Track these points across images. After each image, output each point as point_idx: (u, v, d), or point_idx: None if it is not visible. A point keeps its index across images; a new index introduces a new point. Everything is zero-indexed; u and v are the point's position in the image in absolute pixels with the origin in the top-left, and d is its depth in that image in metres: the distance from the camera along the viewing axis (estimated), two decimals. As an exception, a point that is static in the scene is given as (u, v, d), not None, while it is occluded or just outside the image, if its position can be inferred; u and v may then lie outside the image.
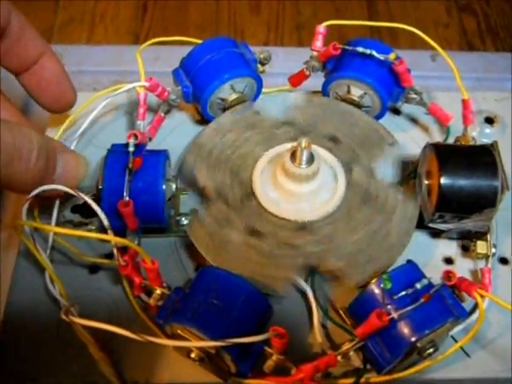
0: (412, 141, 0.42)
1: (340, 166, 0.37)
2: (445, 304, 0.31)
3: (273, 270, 0.34)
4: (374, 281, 0.31)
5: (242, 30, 0.78)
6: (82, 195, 0.31)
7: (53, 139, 0.36)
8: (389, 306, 0.30)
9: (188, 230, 0.35)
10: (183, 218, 0.37)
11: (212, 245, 0.35)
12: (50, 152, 0.32)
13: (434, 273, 0.33)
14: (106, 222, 0.30)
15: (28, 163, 0.30)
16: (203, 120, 0.42)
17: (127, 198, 0.32)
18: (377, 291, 0.31)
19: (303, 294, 0.34)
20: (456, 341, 0.33)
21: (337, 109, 0.40)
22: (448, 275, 0.31)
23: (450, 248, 0.38)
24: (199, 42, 0.41)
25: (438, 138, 0.43)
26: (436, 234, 0.38)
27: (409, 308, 0.29)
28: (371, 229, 0.35)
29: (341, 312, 0.34)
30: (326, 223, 0.35)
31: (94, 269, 0.36)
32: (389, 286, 0.29)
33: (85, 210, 0.38)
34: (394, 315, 0.29)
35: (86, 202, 0.37)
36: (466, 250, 0.38)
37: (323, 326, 0.34)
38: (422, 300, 0.29)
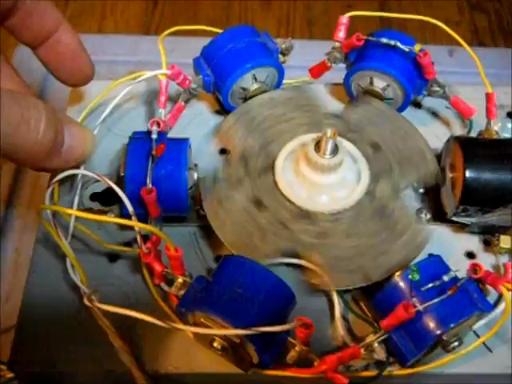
0: (433, 135, 0.42)
1: (367, 171, 0.37)
2: (470, 297, 0.30)
3: (258, 242, 0.34)
4: (398, 273, 0.31)
5: (253, 25, 0.78)
6: (106, 179, 0.30)
7: (58, 111, 0.33)
8: (414, 299, 0.29)
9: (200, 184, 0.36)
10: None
11: (215, 199, 0.35)
12: (58, 122, 0.30)
13: (455, 267, 0.33)
14: (130, 208, 0.30)
15: (36, 134, 0.28)
16: (222, 110, 0.42)
17: (150, 185, 0.32)
18: (402, 284, 0.30)
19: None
20: (478, 336, 0.33)
21: (390, 117, 0.40)
22: (474, 268, 0.30)
23: (473, 242, 0.38)
24: (219, 31, 0.41)
25: (459, 132, 0.42)
26: (458, 228, 0.38)
27: (435, 300, 0.29)
28: (372, 242, 0.35)
29: (362, 304, 0.34)
30: (329, 219, 0.35)
31: (113, 257, 0.36)
32: (417, 277, 0.29)
33: (104, 198, 0.38)
34: (420, 307, 0.29)
35: (105, 190, 0.38)
36: (487, 244, 0.37)
37: (344, 318, 0.34)
38: (449, 292, 0.29)
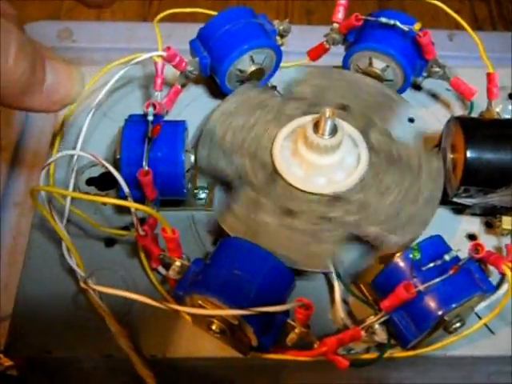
0: (433, 116, 0.41)
1: (358, 133, 0.37)
2: (472, 277, 0.30)
3: (315, 247, 0.33)
4: (398, 254, 0.31)
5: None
6: (102, 161, 0.30)
7: (40, 43, 0.30)
8: (415, 279, 0.29)
9: (221, 222, 0.34)
10: (201, 192, 0.36)
11: (249, 232, 0.33)
12: (37, 54, 0.27)
13: (456, 249, 0.33)
14: (126, 189, 0.30)
15: (6, 60, 0.25)
16: (219, 94, 0.41)
17: (146, 168, 0.31)
18: (402, 264, 0.30)
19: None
20: (480, 317, 0.32)
21: (340, 77, 0.40)
22: (476, 248, 0.30)
23: (474, 224, 0.37)
24: (215, 14, 0.40)
25: (459, 113, 0.42)
26: (459, 210, 0.37)
27: (436, 280, 0.28)
28: (403, 188, 0.35)
29: (362, 287, 0.34)
30: (357, 191, 0.35)
31: (109, 242, 0.36)
32: (418, 256, 0.29)
33: (100, 183, 0.37)
34: (421, 288, 0.29)
35: (101, 175, 0.37)
36: (489, 226, 0.37)
37: (344, 301, 0.34)
38: (451, 272, 0.28)
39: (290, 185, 0.35)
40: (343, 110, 0.38)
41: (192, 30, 0.40)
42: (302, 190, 0.35)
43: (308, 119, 0.35)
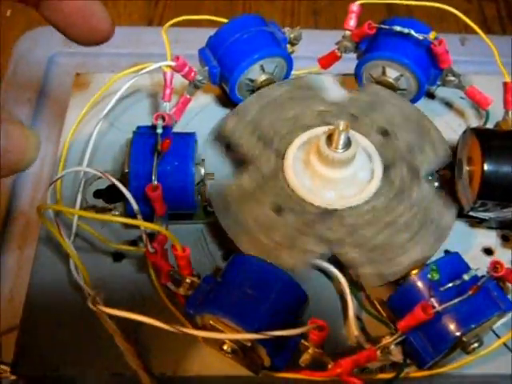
0: (447, 126, 0.40)
1: (379, 159, 0.35)
2: (491, 297, 0.29)
3: (289, 251, 0.32)
4: (415, 272, 0.30)
5: (257, 15, 0.77)
6: (110, 177, 0.29)
7: None
8: (433, 299, 0.28)
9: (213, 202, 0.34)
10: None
11: (235, 217, 0.33)
12: None
13: (472, 264, 0.32)
14: (135, 206, 0.29)
15: None
16: (229, 103, 0.40)
17: (156, 182, 0.31)
18: (420, 283, 0.29)
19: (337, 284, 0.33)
20: (498, 336, 0.31)
21: (390, 100, 0.38)
22: (495, 266, 0.29)
23: (490, 238, 0.36)
24: (225, 21, 0.39)
25: (474, 123, 0.41)
26: (474, 223, 0.36)
27: (455, 301, 0.28)
28: (398, 228, 0.33)
29: (376, 303, 0.33)
30: (352, 213, 0.33)
31: (117, 257, 0.35)
32: (436, 277, 0.28)
33: (108, 195, 0.37)
34: (439, 308, 0.28)
35: (109, 187, 0.37)
36: (506, 239, 0.36)
37: (358, 318, 0.33)
38: (470, 292, 0.28)
39: (290, 186, 0.34)
40: (383, 134, 0.36)
41: (199, 34, 0.40)
42: (298, 195, 0.34)
43: (322, 130, 0.34)
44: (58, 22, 0.29)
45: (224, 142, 0.37)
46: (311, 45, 0.44)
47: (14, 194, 0.45)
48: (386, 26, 0.37)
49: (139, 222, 0.28)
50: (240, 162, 0.36)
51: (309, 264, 0.32)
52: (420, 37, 0.36)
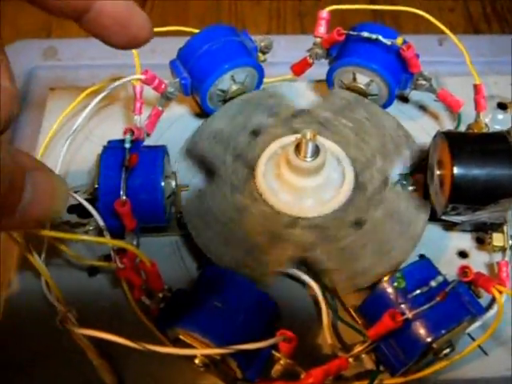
0: (421, 129, 0.40)
1: (349, 164, 0.35)
2: (461, 301, 0.29)
3: (260, 261, 0.32)
4: (386, 279, 0.30)
5: (244, 19, 0.76)
6: (76, 196, 0.29)
7: (21, 152, 0.23)
8: (402, 306, 0.28)
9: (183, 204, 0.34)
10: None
11: (205, 229, 0.33)
12: (17, 171, 0.21)
13: (447, 267, 0.32)
14: (101, 223, 0.29)
15: None
16: (203, 113, 0.40)
17: (124, 197, 0.31)
18: (389, 290, 0.29)
19: (310, 292, 0.33)
20: (473, 339, 0.31)
21: (361, 104, 0.38)
22: (464, 271, 0.29)
23: (464, 241, 0.36)
24: (197, 31, 0.39)
25: (448, 125, 0.41)
26: (449, 226, 0.36)
27: (424, 307, 0.28)
28: (370, 234, 0.33)
29: (351, 311, 0.33)
30: (323, 220, 0.34)
31: (92, 271, 0.35)
32: (402, 284, 0.28)
33: (82, 210, 0.37)
34: (409, 315, 0.28)
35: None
36: (481, 242, 0.36)
37: (333, 326, 0.33)
38: (438, 299, 0.28)
39: (259, 193, 0.34)
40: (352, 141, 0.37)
41: (176, 43, 0.40)
42: (266, 202, 0.34)
43: (290, 140, 0.34)
44: (99, 34, 0.28)
45: (195, 156, 0.37)
46: (291, 51, 0.44)
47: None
48: (355, 33, 0.37)
49: (105, 239, 0.28)
50: (211, 173, 0.36)
51: (280, 273, 0.32)
52: (388, 42, 0.36)
